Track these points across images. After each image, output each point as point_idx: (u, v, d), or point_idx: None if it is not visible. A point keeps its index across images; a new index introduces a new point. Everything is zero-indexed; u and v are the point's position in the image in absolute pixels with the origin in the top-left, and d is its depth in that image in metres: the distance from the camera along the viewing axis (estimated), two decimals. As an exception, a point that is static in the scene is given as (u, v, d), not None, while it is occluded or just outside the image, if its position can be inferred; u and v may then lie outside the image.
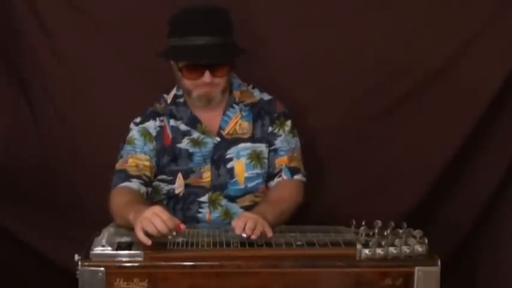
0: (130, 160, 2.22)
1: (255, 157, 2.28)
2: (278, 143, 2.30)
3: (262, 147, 2.29)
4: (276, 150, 2.30)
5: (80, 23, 2.57)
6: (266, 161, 2.29)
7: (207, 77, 2.16)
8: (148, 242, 1.84)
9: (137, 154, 2.23)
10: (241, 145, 2.28)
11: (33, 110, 2.63)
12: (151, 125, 2.28)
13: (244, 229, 1.91)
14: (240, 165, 2.27)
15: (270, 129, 2.31)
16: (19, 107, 2.63)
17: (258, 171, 2.28)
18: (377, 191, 2.64)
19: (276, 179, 2.28)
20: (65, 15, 2.56)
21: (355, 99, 2.60)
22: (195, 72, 2.17)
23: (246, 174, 2.27)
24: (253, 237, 1.91)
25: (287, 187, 2.25)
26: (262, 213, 2.00)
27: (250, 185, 2.27)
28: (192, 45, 2.14)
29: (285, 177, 2.27)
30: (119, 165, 2.23)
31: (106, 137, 2.56)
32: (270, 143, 2.30)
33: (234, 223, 1.95)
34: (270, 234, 1.94)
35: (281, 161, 2.29)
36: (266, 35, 2.56)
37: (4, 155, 2.62)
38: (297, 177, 2.29)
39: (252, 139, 2.29)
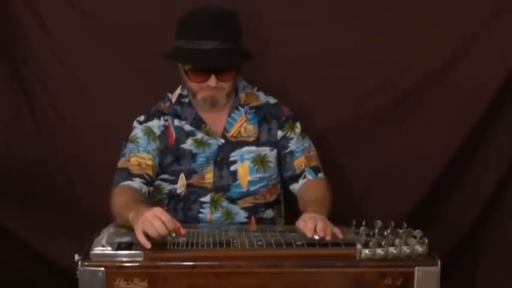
0: (132, 159, 2.21)
1: (259, 161, 2.28)
2: (292, 145, 2.31)
3: (266, 150, 2.30)
4: (291, 153, 2.31)
5: (80, 23, 2.57)
6: (271, 164, 2.30)
7: (212, 81, 2.16)
8: (148, 245, 1.83)
9: (140, 153, 2.22)
10: (246, 148, 2.28)
11: (33, 110, 2.63)
12: (156, 124, 2.27)
13: (315, 231, 1.91)
14: (244, 168, 2.27)
15: (280, 133, 2.31)
16: (19, 107, 2.63)
17: (261, 175, 2.28)
18: (377, 191, 2.64)
19: (301, 181, 2.29)
20: (65, 15, 2.56)
21: (356, 100, 2.60)
22: (201, 75, 2.17)
23: (249, 178, 2.27)
24: (327, 238, 1.90)
25: (317, 187, 2.27)
26: (320, 214, 2.00)
27: (252, 188, 2.28)
28: (199, 49, 2.13)
29: (310, 177, 2.28)
30: (121, 163, 2.22)
31: (106, 137, 2.56)
32: (283, 147, 2.31)
33: (301, 225, 1.94)
34: (340, 234, 1.93)
35: (299, 162, 2.30)
36: (269, 37, 2.56)
37: (4, 155, 2.63)
38: (320, 175, 2.30)
39: (257, 142, 2.29)
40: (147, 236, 1.84)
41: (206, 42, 2.13)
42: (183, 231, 1.90)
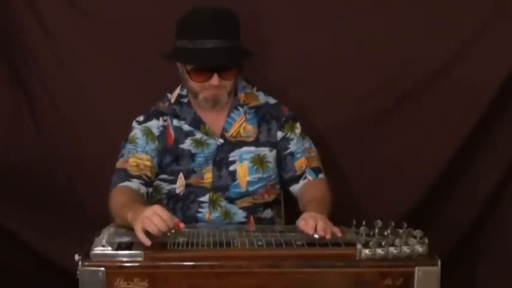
0: (131, 159, 2.21)
1: (258, 161, 2.28)
2: (292, 146, 2.31)
3: (266, 151, 2.30)
4: (292, 154, 2.31)
5: (80, 23, 2.57)
6: (270, 165, 2.30)
7: (215, 80, 2.16)
8: (148, 242, 1.84)
9: (138, 153, 2.22)
10: (245, 148, 2.28)
11: (33, 109, 2.63)
12: (154, 125, 2.27)
13: (315, 230, 1.91)
14: (243, 168, 2.27)
15: (280, 134, 2.31)
16: (19, 107, 2.63)
17: (260, 175, 2.28)
18: (377, 191, 2.64)
19: (302, 181, 2.29)
20: (65, 15, 2.57)
21: (356, 100, 2.60)
22: (203, 75, 2.17)
23: (248, 178, 2.27)
24: (328, 236, 1.91)
25: (318, 187, 2.26)
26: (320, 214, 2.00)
27: (251, 188, 2.28)
28: (201, 48, 2.14)
29: (310, 178, 2.28)
30: (119, 164, 2.22)
31: (106, 136, 2.56)
32: (284, 148, 2.31)
33: (301, 224, 1.95)
34: (339, 233, 1.94)
35: (300, 163, 2.30)
36: (268, 36, 2.56)
37: (4, 155, 2.62)
38: (321, 175, 2.30)
39: (256, 143, 2.29)
40: (147, 234, 1.84)
41: (208, 41, 2.13)
42: (182, 225, 1.90)
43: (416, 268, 1.83)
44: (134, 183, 2.16)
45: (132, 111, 2.33)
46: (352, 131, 2.62)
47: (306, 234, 1.93)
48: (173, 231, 1.89)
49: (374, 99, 2.60)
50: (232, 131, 2.28)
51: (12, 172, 2.62)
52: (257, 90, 2.36)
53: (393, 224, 1.91)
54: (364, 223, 1.94)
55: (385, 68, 2.58)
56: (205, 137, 2.27)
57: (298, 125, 2.34)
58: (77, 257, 1.83)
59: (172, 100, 2.31)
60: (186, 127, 2.28)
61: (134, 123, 2.29)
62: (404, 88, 2.60)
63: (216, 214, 2.26)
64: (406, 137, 2.62)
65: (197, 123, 2.28)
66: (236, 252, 1.88)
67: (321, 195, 2.22)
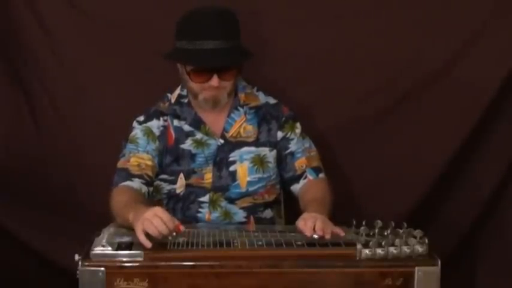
0: (132, 159, 2.21)
1: (258, 161, 2.28)
2: (292, 146, 2.31)
3: (266, 151, 2.30)
4: (292, 154, 2.31)
5: (80, 23, 2.57)
6: (270, 165, 2.30)
7: (215, 81, 2.16)
8: (149, 244, 1.83)
9: (139, 153, 2.22)
10: (245, 149, 2.28)
11: (33, 109, 2.64)
12: (155, 125, 2.27)
13: (314, 230, 1.91)
14: (243, 168, 2.27)
15: (281, 134, 2.31)
16: (19, 107, 2.63)
17: (260, 175, 2.28)
18: (377, 191, 2.64)
19: (302, 181, 2.29)
20: (65, 15, 2.57)
21: (356, 100, 2.61)
22: (203, 75, 2.17)
23: (248, 178, 2.27)
24: (327, 236, 1.91)
25: (318, 186, 2.26)
26: (320, 214, 2.00)
27: (251, 188, 2.28)
28: (200, 49, 2.13)
29: (310, 177, 2.28)
30: (120, 164, 2.22)
31: (106, 136, 2.56)
32: (284, 148, 2.31)
33: (300, 225, 1.95)
34: (342, 233, 1.94)
35: (301, 162, 2.30)
36: (268, 36, 2.56)
37: (4, 155, 2.63)
38: (321, 175, 2.30)
39: (256, 143, 2.29)
40: (147, 235, 1.84)
41: (208, 42, 2.13)
42: (182, 228, 1.90)
43: (416, 268, 1.83)
44: (136, 183, 2.17)
45: (132, 111, 2.34)
46: (352, 131, 2.62)
47: (305, 235, 1.93)
48: (174, 234, 1.89)
49: (374, 99, 2.60)
50: (232, 131, 2.28)
51: (12, 172, 2.62)
52: (257, 91, 2.36)
53: (393, 224, 1.91)
54: (364, 223, 1.94)
55: (385, 68, 2.58)
56: (205, 138, 2.27)
57: (298, 125, 2.34)
58: (77, 257, 1.83)
59: (173, 100, 2.31)
60: (187, 127, 2.28)
61: (135, 123, 2.29)
62: (404, 88, 2.60)
63: (216, 214, 2.26)
64: (406, 137, 2.62)
65: (197, 123, 2.28)
66: (236, 252, 1.88)
67: (321, 195, 2.22)
